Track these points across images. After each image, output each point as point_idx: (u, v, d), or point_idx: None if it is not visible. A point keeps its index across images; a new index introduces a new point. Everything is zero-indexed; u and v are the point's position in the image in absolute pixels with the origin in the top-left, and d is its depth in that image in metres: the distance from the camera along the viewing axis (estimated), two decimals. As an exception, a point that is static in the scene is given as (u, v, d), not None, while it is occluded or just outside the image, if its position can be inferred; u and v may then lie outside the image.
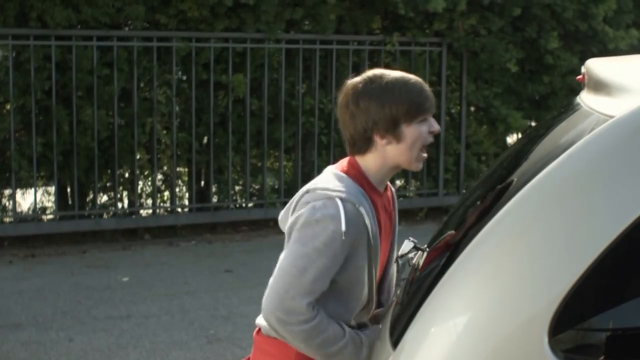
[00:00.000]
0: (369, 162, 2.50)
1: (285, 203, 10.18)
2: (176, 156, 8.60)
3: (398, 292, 2.13)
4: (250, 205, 9.13)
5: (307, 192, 2.44)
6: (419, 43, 9.51)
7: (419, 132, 2.47)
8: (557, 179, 1.84)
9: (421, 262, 2.14)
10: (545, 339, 1.73)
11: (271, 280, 2.44)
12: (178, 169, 8.92)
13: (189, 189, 8.99)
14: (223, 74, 8.62)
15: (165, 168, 8.94)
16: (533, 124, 10.55)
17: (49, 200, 8.64)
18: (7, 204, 8.32)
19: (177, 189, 8.94)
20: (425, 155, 2.53)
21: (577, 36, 10.08)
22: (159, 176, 8.92)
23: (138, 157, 8.50)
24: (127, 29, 8.46)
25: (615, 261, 1.81)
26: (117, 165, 8.38)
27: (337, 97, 2.61)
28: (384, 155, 2.49)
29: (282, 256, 2.43)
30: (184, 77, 8.78)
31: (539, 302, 1.76)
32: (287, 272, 2.38)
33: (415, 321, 1.95)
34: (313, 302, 2.37)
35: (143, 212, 8.77)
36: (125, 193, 8.77)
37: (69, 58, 8.02)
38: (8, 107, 8.10)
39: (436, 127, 2.50)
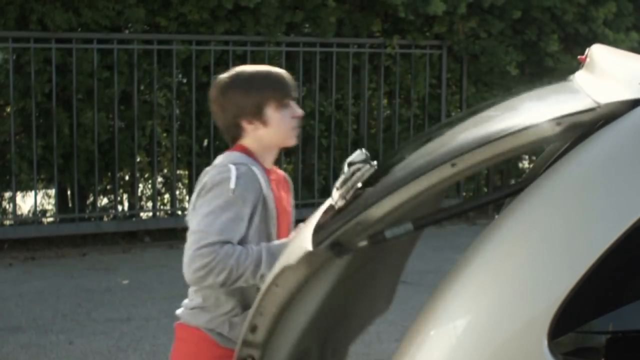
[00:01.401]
0: (248, 144, 2.77)
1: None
2: (176, 159, 8.60)
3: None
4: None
5: (205, 171, 2.72)
6: (419, 46, 9.52)
7: (281, 115, 2.75)
8: (556, 181, 1.84)
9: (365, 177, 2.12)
10: (545, 342, 1.73)
11: (186, 245, 2.62)
12: (178, 172, 8.92)
13: (189, 192, 8.99)
14: (223, 77, 8.62)
15: (165, 171, 8.95)
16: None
17: (49, 203, 8.65)
18: (7, 206, 8.32)
19: (178, 192, 8.94)
20: (295, 132, 2.82)
21: (577, 39, 10.09)
22: (159, 179, 8.93)
23: (138, 159, 8.50)
24: (127, 31, 8.48)
25: (615, 264, 1.81)
26: (117, 168, 8.39)
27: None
28: (256, 139, 2.76)
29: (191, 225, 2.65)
30: (184, 80, 8.79)
31: (539, 305, 1.76)
32: (196, 231, 2.58)
33: (414, 324, 1.96)
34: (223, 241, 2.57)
35: (143, 215, 8.77)
36: (125, 196, 8.78)
37: (69, 61, 8.03)
38: (8, 109, 8.11)
39: (298, 111, 2.81)
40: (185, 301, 2.81)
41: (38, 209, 8.31)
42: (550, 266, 1.77)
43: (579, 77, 2.25)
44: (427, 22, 9.50)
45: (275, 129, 2.75)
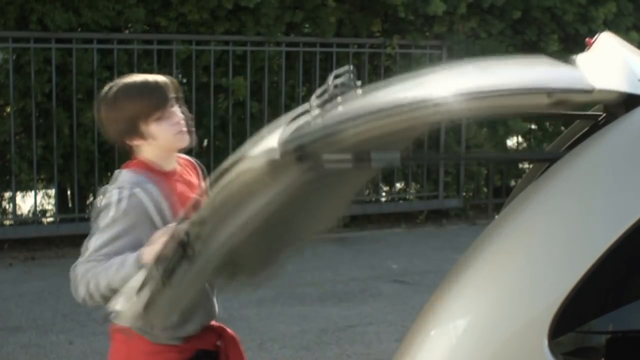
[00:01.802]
0: (144, 154, 2.78)
1: (285, 206, 9.94)
2: (176, 159, 8.59)
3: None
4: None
5: (101, 190, 2.80)
6: (419, 46, 9.52)
7: (162, 127, 2.72)
8: (557, 181, 1.84)
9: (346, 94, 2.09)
10: (545, 342, 1.73)
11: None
12: (178, 172, 8.91)
13: (189, 192, 8.98)
14: (223, 77, 8.63)
15: (165, 171, 8.94)
16: (533, 127, 10.57)
17: (49, 203, 8.64)
18: (7, 206, 8.32)
19: (177, 192, 8.93)
20: (183, 134, 2.78)
21: (577, 39, 10.09)
22: (159, 179, 8.91)
23: (138, 160, 8.49)
24: (127, 31, 8.47)
25: (615, 264, 1.81)
26: (117, 168, 8.36)
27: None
28: (146, 152, 2.77)
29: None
30: (184, 80, 8.78)
31: (539, 305, 1.76)
32: (88, 248, 2.81)
33: (414, 324, 1.96)
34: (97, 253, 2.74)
35: (143, 215, 8.76)
36: (125, 196, 8.76)
37: (69, 61, 8.02)
38: (8, 109, 8.10)
39: (178, 116, 2.75)
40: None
41: (38, 209, 8.31)
42: (551, 266, 1.77)
43: (581, 58, 2.25)
44: (427, 22, 9.50)
45: (158, 141, 2.74)
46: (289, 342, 5.63)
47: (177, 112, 2.76)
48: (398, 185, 9.92)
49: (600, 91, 1.84)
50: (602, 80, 1.90)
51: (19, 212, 8.37)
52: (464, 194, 10.19)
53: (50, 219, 8.47)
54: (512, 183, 10.50)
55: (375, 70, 9.52)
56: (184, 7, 8.37)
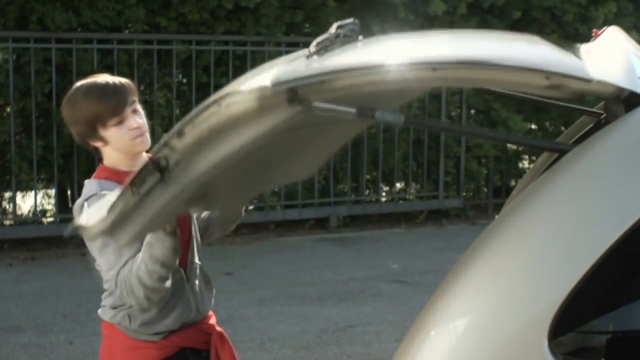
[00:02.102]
0: (105, 158, 2.79)
1: (286, 206, 10.08)
2: (176, 159, 8.59)
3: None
4: (250, 208, 9.11)
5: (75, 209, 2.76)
6: (419, 46, 9.51)
7: (119, 132, 2.70)
8: (557, 181, 1.84)
9: (346, 44, 2.08)
10: (545, 342, 1.73)
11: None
12: (178, 172, 8.91)
13: (189, 192, 8.98)
14: (223, 77, 8.63)
15: (165, 171, 8.93)
16: (533, 127, 10.57)
17: (49, 203, 8.65)
18: (7, 206, 8.32)
19: (178, 192, 8.93)
20: (139, 140, 2.75)
21: (578, 39, 10.09)
22: (159, 179, 8.91)
23: (138, 159, 8.49)
24: (127, 31, 8.47)
25: (615, 264, 1.81)
26: (117, 168, 8.38)
27: None
28: (108, 152, 2.76)
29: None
30: (184, 80, 8.79)
31: (539, 305, 1.76)
32: (105, 268, 2.72)
33: (414, 324, 1.95)
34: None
35: (143, 215, 8.76)
36: (125, 196, 8.76)
37: (69, 61, 8.03)
38: (8, 109, 8.10)
39: (135, 122, 2.71)
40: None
41: (38, 209, 8.31)
42: (551, 266, 1.77)
43: (585, 48, 2.25)
44: (427, 22, 9.50)
45: (117, 143, 2.74)
46: (289, 342, 5.63)
47: (136, 117, 2.73)
48: (398, 185, 9.92)
49: (599, 82, 1.84)
50: (602, 72, 1.90)
51: (19, 212, 8.37)
52: (464, 194, 10.19)
53: (50, 219, 8.47)
54: (512, 183, 10.51)
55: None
56: (184, 7, 8.37)
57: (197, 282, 2.90)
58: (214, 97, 1.90)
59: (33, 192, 8.21)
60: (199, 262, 2.93)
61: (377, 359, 5.38)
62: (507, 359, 1.77)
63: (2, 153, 8.17)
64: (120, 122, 2.70)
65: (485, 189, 10.55)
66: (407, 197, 9.85)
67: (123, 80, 2.79)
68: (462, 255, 1.91)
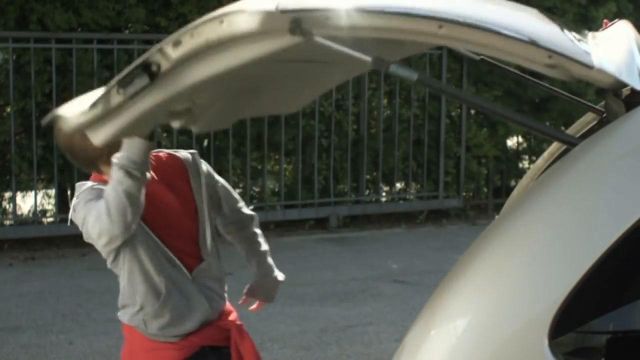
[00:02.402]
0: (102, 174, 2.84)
1: (286, 206, 10.07)
2: (176, 159, 8.59)
3: None
4: (250, 208, 9.11)
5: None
6: (419, 46, 9.51)
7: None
8: (557, 182, 1.84)
9: None
10: (545, 342, 1.73)
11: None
12: (178, 172, 8.91)
13: (189, 192, 8.98)
14: (223, 77, 8.62)
15: (165, 171, 8.93)
16: (533, 127, 10.56)
17: (49, 203, 8.64)
18: (7, 206, 8.32)
19: (178, 192, 8.93)
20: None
21: (577, 39, 10.09)
22: (159, 179, 8.91)
23: (138, 160, 8.49)
24: (127, 32, 8.47)
25: (615, 264, 1.81)
26: (117, 168, 8.38)
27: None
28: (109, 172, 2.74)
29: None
30: (184, 80, 8.78)
31: (539, 305, 1.76)
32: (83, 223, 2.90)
33: (414, 324, 1.96)
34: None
35: (143, 215, 8.77)
36: (125, 196, 8.76)
37: (69, 61, 8.03)
38: (8, 109, 8.11)
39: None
40: None
41: (38, 209, 8.31)
42: (551, 266, 1.77)
43: (593, 36, 2.26)
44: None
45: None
46: (289, 342, 5.63)
47: (123, 146, 2.72)
48: (398, 185, 9.92)
49: (600, 71, 1.84)
50: (605, 62, 1.90)
51: (19, 212, 8.37)
52: (464, 194, 10.19)
53: (50, 219, 8.47)
54: (512, 183, 10.51)
55: (375, 71, 9.50)
56: (184, 7, 8.37)
57: (207, 281, 2.91)
58: (218, 12, 1.87)
59: (33, 192, 8.21)
60: (212, 261, 2.93)
61: (377, 359, 5.38)
62: (507, 359, 1.77)
63: (2, 153, 8.17)
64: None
65: (485, 189, 10.55)
66: (407, 197, 9.85)
67: None
68: (462, 255, 1.91)
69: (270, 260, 3.19)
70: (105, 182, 2.74)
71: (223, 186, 3.05)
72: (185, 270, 2.83)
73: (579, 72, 1.82)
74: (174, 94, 2.01)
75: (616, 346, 1.89)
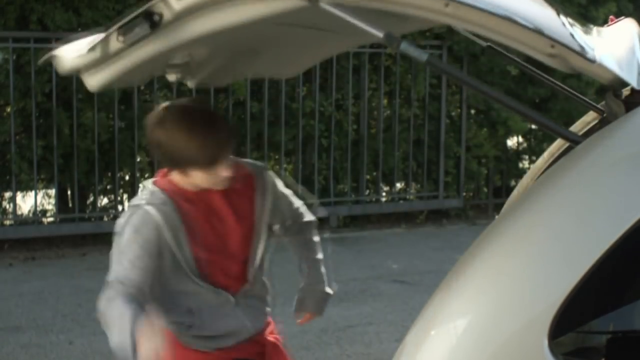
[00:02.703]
0: (174, 175, 2.66)
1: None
2: (176, 159, 8.59)
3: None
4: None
5: (129, 206, 2.70)
6: (419, 46, 9.48)
7: (206, 175, 2.58)
8: (557, 182, 1.84)
9: None
10: (545, 342, 1.73)
11: None
12: (178, 172, 8.91)
13: (189, 192, 8.99)
14: (223, 77, 8.63)
15: (165, 171, 8.94)
16: (533, 126, 10.56)
17: (49, 203, 8.64)
18: (7, 206, 8.32)
19: (178, 192, 8.93)
20: (226, 179, 2.64)
21: (577, 39, 10.10)
22: (160, 179, 8.92)
23: (138, 159, 8.50)
24: (127, 31, 8.46)
25: (615, 265, 1.81)
26: (117, 168, 8.38)
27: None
28: (180, 177, 2.63)
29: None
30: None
31: (539, 305, 1.76)
32: (110, 271, 2.70)
33: (415, 323, 1.96)
34: (118, 283, 2.61)
35: (143, 215, 8.76)
36: (125, 196, 8.77)
37: (69, 61, 8.01)
38: (8, 109, 8.10)
39: (225, 173, 2.59)
40: None
41: (38, 209, 8.31)
42: (551, 266, 1.77)
43: (597, 31, 2.26)
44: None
45: (198, 180, 2.62)
46: (289, 342, 5.62)
47: (223, 168, 2.59)
48: (398, 185, 9.92)
49: (600, 66, 1.84)
50: (606, 58, 1.90)
51: (19, 212, 8.37)
52: (464, 194, 10.19)
53: (51, 219, 8.47)
54: (512, 183, 10.50)
55: (376, 71, 9.52)
56: (184, 7, 8.37)
57: (251, 300, 2.83)
58: None
59: (33, 192, 8.21)
60: (257, 279, 2.84)
61: (377, 359, 5.38)
62: (507, 359, 1.77)
63: (2, 153, 8.17)
64: (211, 170, 2.59)
65: (485, 189, 10.55)
66: (407, 197, 9.85)
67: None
68: (462, 255, 1.91)
69: (322, 269, 3.12)
70: (176, 195, 2.63)
71: (287, 201, 2.93)
72: (228, 295, 2.74)
73: (580, 65, 1.82)
74: (174, 46, 1.99)
75: (616, 346, 1.89)
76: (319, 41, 2.54)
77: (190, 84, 2.65)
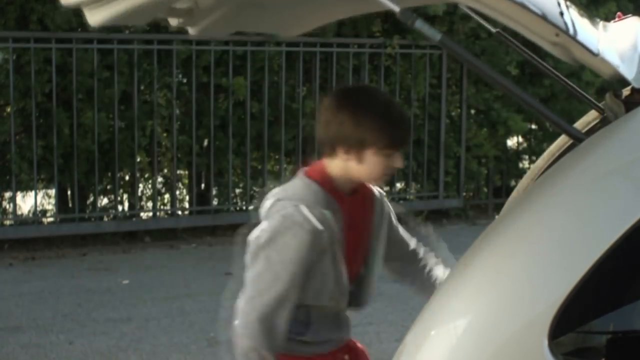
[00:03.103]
0: (334, 167, 2.52)
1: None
2: (176, 159, 8.60)
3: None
4: (250, 208, 9.12)
5: (278, 200, 2.48)
6: (419, 46, 9.52)
7: (380, 163, 2.48)
8: (557, 182, 1.84)
9: None
10: (545, 342, 1.73)
11: (242, 296, 2.53)
12: (178, 172, 8.92)
13: (189, 192, 9.00)
14: (223, 77, 8.63)
15: (165, 171, 8.94)
16: (533, 126, 10.57)
17: (49, 203, 8.64)
18: (7, 206, 8.32)
19: (178, 192, 8.94)
20: (385, 178, 2.59)
21: (577, 39, 10.09)
22: (159, 179, 8.93)
23: (138, 159, 8.50)
24: (127, 32, 8.47)
25: (615, 265, 1.81)
26: (117, 168, 8.38)
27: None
28: (346, 167, 2.50)
29: (250, 267, 2.50)
30: (185, 80, 8.78)
31: (539, 305, 1.76)
32: (253, 296, 2.49)
33: (415, 323, 1.95)
34: (265, 322, 2.44)
35: (143, 215, 8.77)
36: (125, 196, 8.78)
37: (69, 61, 8.02)
38: (8, 109, 8.10)
39: (399, 164, 2.53)
40: None
41: (38, 209, 8.31)
42: (551, 266, 1.77)
43: (603, 25, 2.26)
44: (427, 22, 9.49)
45: (367, 169, 2.49)
46: (289, 342, 5.62)
47: (400, 159, 2.53)
48: (398, 185, 9.91)
49: (602, 60, 1.84)
50: (609, 52, 1.90)
51: (19, 212, 8.36)
52: (464, 194, 10.18)
53: (51, 219, 8.47)
54: (512, 183, 10.50)
55: (376, 71, 9.52)
56: (184, 7, 8.36)
57: (348, 312, 2.81)
58: None
59: (33, 192, 8.21)
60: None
61: (377, 359, 5.36)
62: (507, 359, 1.77)
63: (2, 153, 8.17)
64: (389, 155, 2.49)
65: (485, 189, 10.55)
66: (407, 197, 9.85)
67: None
68: (462, 255, 1.91)
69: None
70: (332, 192, 2.50)
71: (399, 235, 2.86)
72: (340, 306, 2.73)
73: (582, 57, 1.82)
74: None
75: (616, 346, 1.89)
76: (328, 3, 2.53)
77: (192, 31, 2.61)
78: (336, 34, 9.11)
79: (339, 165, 2.51)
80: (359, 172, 2.51)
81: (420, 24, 1.83)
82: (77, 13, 8.03)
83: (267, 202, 2.52)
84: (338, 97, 2.55)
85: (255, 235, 2.48)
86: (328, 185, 2.52)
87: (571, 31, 1.83)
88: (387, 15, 9.38)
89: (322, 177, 2.53)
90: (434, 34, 1.85)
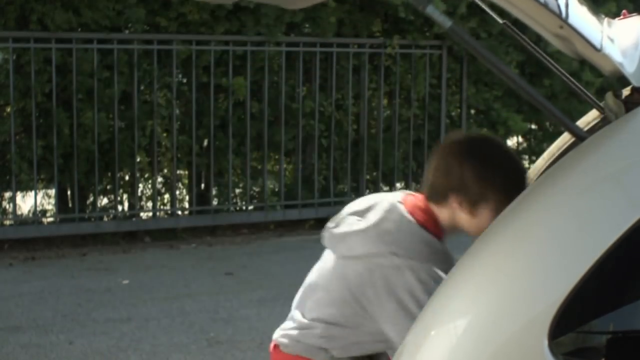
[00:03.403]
0: (443, 215, 2.42)
1: (285, 206, 10.02)
2: (176, 159, 8.60)
3: None
4: (250, 208, 9.12)
5: (395, 255, 2.34)
6: (419, 46, 9.52)
7: (492, 218, 2.26)
8: (557, 182, 1.84)
9: None
10: (545, 342, 1.73)
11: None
12: (178, 172, 8.92)
13: (189, 192, 9.00)
14: (223, 77, 8.63)
15: (165, 171, 8.95)
16: (533, 126, 10.57)
17: (49, 203, 8.64)
18: (7, 206, 8.32)
19: (178, 192, 8.94)
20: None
21: (577, 39, 10.09)
22: (159, 179, 8.93)
23: (138, 160, 8.50)
24: (127, 32, 8.47)
25: (615, 264, 1.81)
26: (117, 168, 8.38)
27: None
28: (454, 217, 2.40)
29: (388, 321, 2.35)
30: (184, 80, 8.79)
31: (539, 305, 1.76)
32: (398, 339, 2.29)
33: (415, 323, 1.95)
34: None
35: (143, 215, 8.77)
36: (125, 196, 8.78)
37: (69, 61, 8.02)
38: (8, 109, 8.10)
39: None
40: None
41: (38, 209, 8.31)
42: (551, 266, 1.77)
43: (607, 22, 2.26)
44: (427, 22, 9.49)
45: (478, 223, 2.36)
46: (289, 342, 5.62)
47: None
48: (398, 185, 9.91)
49: (605, 56, 1.84)
50: (612, 49, 1.90)
51: (19, 212, 8.36)
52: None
53: (51, 219, 8.47)
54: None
55: (376, 71, 9.52)
56: (184, 7, 8.37)
57: None
58: None
59: (33, 192, 8.21)
60: None
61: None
62: (507, 359, 1.77)
63: (2, 153, 8.17)
64: (501, 210, 2.28)
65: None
66: (407, 197, 9.84)
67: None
68: (462, 255, 1.91)
69: None
70: (435, 232, 2.40)
71: None
72: None
73: (584, 51, 1.83)
74: None
75: (616, 346, 1.89)
76: None
77: None
78: (336, 34, 9.11)
79: (447, 213, 2.40)
80: (468, 225, 2.39)
81: (431, 10, 1.85)
82: (77, 13, 8.05)
83: (371, 244, 2.42)
84: (463, 145, 2.44)
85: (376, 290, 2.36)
86: (440, 236, 2.42)
87: (576, 24, 1.84)
88: (387, 15, 9.39)
89: (435, 226, 2.43)
90: (445, 21, 1.86)
